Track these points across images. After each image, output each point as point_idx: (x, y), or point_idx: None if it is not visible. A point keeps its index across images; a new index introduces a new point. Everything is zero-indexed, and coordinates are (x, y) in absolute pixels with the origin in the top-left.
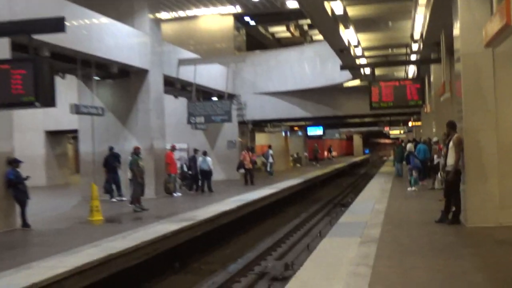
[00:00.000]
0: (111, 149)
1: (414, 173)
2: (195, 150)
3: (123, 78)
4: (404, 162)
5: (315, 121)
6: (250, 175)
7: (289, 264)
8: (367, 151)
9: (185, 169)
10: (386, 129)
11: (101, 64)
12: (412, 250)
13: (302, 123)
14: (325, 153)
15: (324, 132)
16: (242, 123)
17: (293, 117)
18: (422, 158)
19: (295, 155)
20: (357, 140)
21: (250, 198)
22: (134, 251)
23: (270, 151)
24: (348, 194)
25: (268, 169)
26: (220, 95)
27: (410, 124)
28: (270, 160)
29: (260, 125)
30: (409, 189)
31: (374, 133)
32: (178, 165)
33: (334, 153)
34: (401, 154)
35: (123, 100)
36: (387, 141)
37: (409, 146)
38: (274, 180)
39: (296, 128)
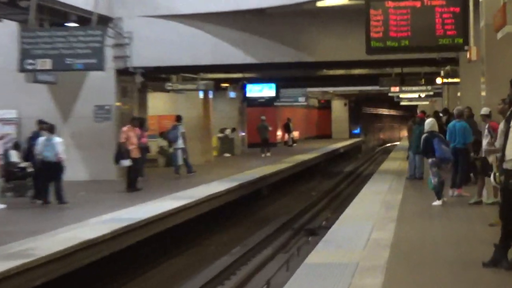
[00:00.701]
0: None
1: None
2: (41, 124)
3: None
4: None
5: (263, 73)
6: (135, 171)
7: None
8: (357, 130)
9: (14, 159)
10: (394, 90)
11: None
12: None
13: (238, 75)
14: (280, 132)
15: (278, 93)
16: (124, 73)
17: (221, 63)
18: (460, 146)
19: (224, 135)
20: (340, 111)
21: (137, 217)
22: None
23: (181, 128)
24: (322, 210)
25: (179, 161)
26: (84, 18)
27: (439, 81)
28: (180, 144)
29: (158, 77)
30: (435, 203)
31: (371, 97)
32: (0, 151)
33: (295, 134)
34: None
35: None
36: (395, 112)
37: (429, 122)
38: (185, 183)
39: (225, 85)
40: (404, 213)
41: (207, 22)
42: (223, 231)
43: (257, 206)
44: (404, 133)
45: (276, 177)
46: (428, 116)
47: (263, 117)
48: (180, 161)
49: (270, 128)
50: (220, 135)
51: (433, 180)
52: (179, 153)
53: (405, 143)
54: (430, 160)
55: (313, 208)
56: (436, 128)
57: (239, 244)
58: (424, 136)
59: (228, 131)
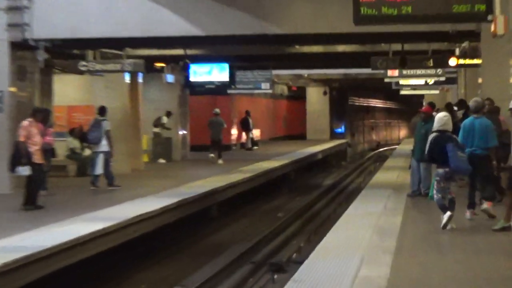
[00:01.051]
0: None
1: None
2: None
3: None
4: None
5: (212, 50)
6: (36, 182)
7: None
8: (341, 129)
9: None
10: (392, 74)
11: None
12: None
13: (179, 52)
14: (235, 131)
15: (233, 77)
16: (21, 48)
17: (155, 35)
18: (480, 152)
19: (161, 126)
20: (317, 102)
21: (39, 244)
22: None
23: (106, 125)
24: (292, 238)
25: (99, 169)
26: None
27: (452, 62)
28: (103, 146)
29: (68, 54)
30: (449, 226)
31: (360, 84)
32: None
33: (256, 133)
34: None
35: None
36: (393, 105)
37: (442, 118)
38: (105, 199)
39: (161, 66)
40: (404, 243)
41: None
42: (158, 264)
43: (204, 231)
44: (405, 132)
45: (230, 192)
46: (438, 110)
47: (217, 110)
48: (100, 170)
49: (224, 125)
50: (156, 130)
51: (436, 196)
52: (101, 158)
53: (406, 146)
54: (440, 170)
55: (280, 235)
56: (450, 127)
57: (179, 283)
58: (433, 135)
59: (164, 119)
